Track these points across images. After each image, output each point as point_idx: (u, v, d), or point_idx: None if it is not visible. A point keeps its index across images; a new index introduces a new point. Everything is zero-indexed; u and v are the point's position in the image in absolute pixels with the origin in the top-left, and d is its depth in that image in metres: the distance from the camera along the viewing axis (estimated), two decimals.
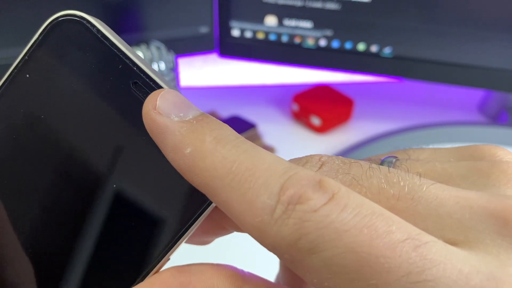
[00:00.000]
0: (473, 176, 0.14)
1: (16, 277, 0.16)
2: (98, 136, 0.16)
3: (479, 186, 0.14)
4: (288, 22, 0.56)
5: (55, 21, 0.16)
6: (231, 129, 0.14)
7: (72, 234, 0.16)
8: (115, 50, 0.16)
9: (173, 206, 0.16)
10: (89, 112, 0.16)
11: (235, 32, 0.57)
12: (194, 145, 0.13)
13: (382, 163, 0.16)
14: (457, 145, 0.16)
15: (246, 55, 0.59)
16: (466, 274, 0.11)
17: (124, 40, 0.17)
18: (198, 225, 0.16)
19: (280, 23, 0.56)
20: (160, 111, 0.14)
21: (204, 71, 0.75)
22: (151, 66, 0.16)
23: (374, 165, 0.14)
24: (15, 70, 0.16)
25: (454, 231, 0.12)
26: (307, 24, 0.56)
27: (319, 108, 0.60)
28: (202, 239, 0.19)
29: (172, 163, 0.14)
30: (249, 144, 0.13)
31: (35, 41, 0.16)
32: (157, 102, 0.14)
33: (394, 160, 0.16)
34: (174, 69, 0.51)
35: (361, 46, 0.56)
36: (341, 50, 0.57)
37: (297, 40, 0.57)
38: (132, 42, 0.50)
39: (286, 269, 0.20)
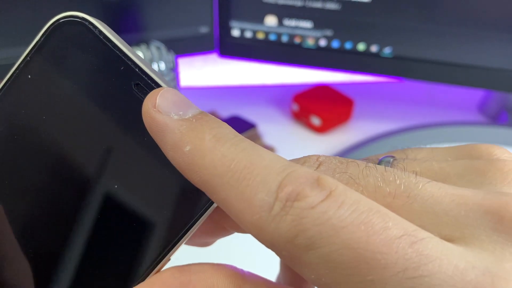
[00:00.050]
0: (469, 174, 0.14)
1: (17, 277, 0.16)
2: (100, 137, 0.16)
3: (475, 184, 0.14)
4: (288, 22, 0.56)
5: (57, 23, 0.16)
6: (230, 127, 0.14)
7: (73, 234, 0.16)
8: (117, 52, 0.16)
9: (174, 207, 0.16)
10: (90, 113, 0.16)
11: (235, 32, 0.58)
12: (193, 143, 0.13)
13: (380, 162, 0.16)
14: (457, 145, 0.16)
15: (246, 55, 0.59)
16: (462, 269, 0.11)
17: (124, 40, 0.17)
18: (198, 226, 0.16)
19: (280, 23, 0.56)
20: (160, 110, 0.14)
21: (204, 71, 0.75)
22: (152, 67, 0.16)
23: (370, 164, 0.14)
24: (17, 71, 0.16)
25: (450, 228, 0.12)
26: (307, 24, 0.56)
27: (319, 108, 0.60)
28: (203, 240, 0.20)
29: (171, 161, 0.14)
30: (247, 142, 0.13)
31: (37, 42, 0.16)
32: (157, 101, 0.14)
33: (391, 159, 0.16)
34: (174, 69, 0.51)
35: (361, 46, 0.56)
36: (341, 50, 0.57)
37: (297, 40, 0.57)
38: (132, 42, 0.50)
39: (287, 269, 0.20)
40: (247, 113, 0.62)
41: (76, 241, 0.16)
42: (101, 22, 0.16)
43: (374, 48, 0.56)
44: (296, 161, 0.15)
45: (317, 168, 0.14)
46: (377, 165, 0.14)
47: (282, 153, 0.33)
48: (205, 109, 0.15)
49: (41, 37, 0.16)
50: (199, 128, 0.14)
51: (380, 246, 0.11)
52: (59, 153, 0.16)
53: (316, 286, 0.12)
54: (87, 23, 0.16)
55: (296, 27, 0.56)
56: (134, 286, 0.15)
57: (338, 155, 0.15)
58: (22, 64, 0.16)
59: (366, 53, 0.56)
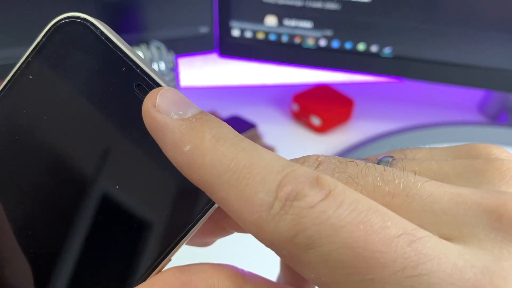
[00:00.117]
0: (468, 173, 0.14)
1: (17, 278, 0.16)
2: (100, 137, 0.16)
3: (474, 184, 0.14)
4: (288, 22, 0.56)
5: (58, 23, 0.16)
6: (230, 127, 0.14)
7: (74, 234, 0.16)
8: (119, 52, 0.16)
9: (175, 207, 0.16)
10: (91, 114, 0.16)
11: (235, 32, 0.58)
12: (193, 143, 0.13)
13: (379, 162, 0.16)
14: (456, 145, 0.17)
15: (246, 55, 0.60)
16: (460, 268, 0.11)
17: (124, 41, 0.17)
18: (199, 226, 0.16)
19: (280, 23, 0.56)
20: (160, 109, 0.14)
21: (204, 71, 0.75)
22: (154, 68, 0.16)
23: (369, 164, 0.14)
24: (18, 71, 0.16)
25: (448, 227, 0.12)
26: (307, 24, 0.56)
27: (319, 108, 0.60)
28: (203, 240, 0.20)
29: (171, 160, 0.14)
30: (247, 142, 0.14)
31: (38, 42, 0.16)
32: (157, 100, 0.14)
33: (390, 159, 0.16)
34: (174, 69, 0.51)
35: (361, 46, 0.56)
36: (341, 50, 0.57)
37: (297, 40, 0.57)
38: (132, 42, 0.50)
39: (287, 268, 0.20)
40: (247, 113, 0.62)
41: (77, 241, 0.16)
42: (102, 22, 0.16)
43: (374, 48, 0.56)
44: (295, 161, 0.15)
45: (316, 167, 0.14)
46: (376, 165, 0.14)
47: (282, 153, 0.33)
48: (205, 109, 0.15)
49: (42, 37, 0.16)
50: (199, 127, 0.14)
51: (379, 245, 0.11)
52: (60, 154, 0.16)
53: (316, 285, 0.12)
54: (88, 24, 0.16)
55: (296, 27, 0.56)
56: (135, 286, 0.15)
57: (338, 155, 0.15)
58: (24, 65, 0.16)
59: (366, 53, 0.56)
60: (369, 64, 0.57)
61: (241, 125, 0.58)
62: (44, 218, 0.16)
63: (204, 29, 0.56)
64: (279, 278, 0.21)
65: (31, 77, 0.16)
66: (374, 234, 0.11)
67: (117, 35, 0.16)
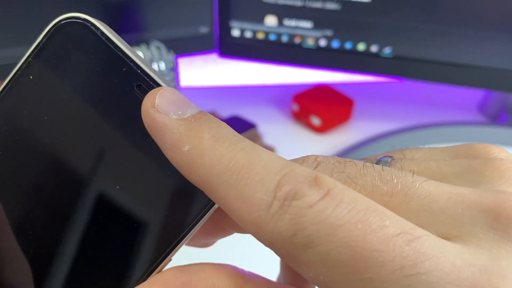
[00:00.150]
0: (467, 173, 0.14)
1: (17, 278, 0.17)
2: (101, 138, 0.16)
3: (473, 183, 0.14)
4: (288, 22, 0.56)
5: (59, 24, 0.16)
6: (229, 127, 0.14)
7: (75, 235, 0.16)
8: (119, 53, 0.16)
9: (175, 208, 0.16)
10: (92, 114, 0.16)
11: (235, 32, 0.58)
12: (192, 143, 0.13)
13: (378, 162, 0.16)
14: (455, 145, 0.17)
15: (246, 55, 0.60)
16: (459, 267, 0.11)
17: (124, 41, 0.17)
18: (200, 226, 0.16)
19: (280, 23, 0.56)
20: (159, 109, 0.14)
21: (204, 71, 0.75)
22: (154, 69, 0.16)
23: (368, 164, 0.14)
24: (19, 72, 0.16)
25: (447, 226, 0.12)
26: (307, 24, 0.56)
27: (319, 108, 0.60)
28: (203, 241, 0.20)
29: (170, 160, 0.14)
30: (246, 142, 0.14)
31: (39, 43, 0.16)
32: (156, 100, 0.14)
33: (389, 159, 0.16)
34: (174, 69, 0.51)
35: (361, 46, 0.56)
36: (341, 50, 0.57)
37: (297, 40, 0.57)
38: (132, 42, 0.50)
39: (287, 268, 0.20)
40: (247, 113, 0.62)
41: (77, 241, 0.16)
42: (103, 23, 0.16)
43: (374, 48, 0.56)
44: (294, 161, 0.15)
45: (315, 168, 0.14)
46: (374, 165, 0.14)
47: (282, 153, 0.33)
48: (205, 109, 0.15)
49: (43, 38, 0.16)
50: (198, 127, 0.14)
51: (377, 244, 0.11)
52: (60, 154, 0.16)
53: (315, 284, 0.12)
54: (89, 24, 0.16)
55: (296, 27, 0.56)
56: (136, 286, 0.15)
57: (338, 155, 0.15)
58: (24, 65, 0.16)
59: (366, 53, 0.56)
60: (369, 64, 0.57)
61: (241, 125, 0.58)
62: (45, 218, 0.16)
63: (204, 29, 0.56)
64: (279, 278, 0.21)
65: (31, 77, 0.16)
66: (373, 233, 0.11)
67: (117, 35, 0.16)
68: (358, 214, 0.11)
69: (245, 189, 0.12)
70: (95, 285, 0.16)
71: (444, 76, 0.56)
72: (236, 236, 0.20)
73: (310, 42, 0.57)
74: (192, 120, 0.14)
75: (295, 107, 0.62)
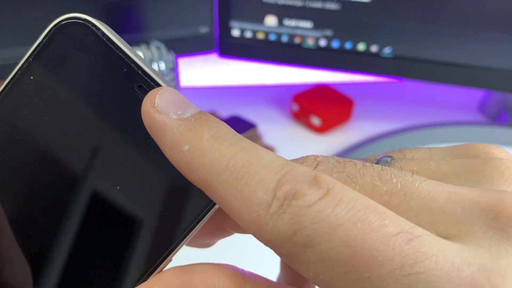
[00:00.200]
0: (466, 173, 0.14)
1: (19, 278, 0.17)
2: (101, 138, 0.16)
3: (472, 183, 0.14)
4: (288, 22, 0.56)
5: (59, 24, 0.16)
6: (229, 127, 0.14)
7: (75, 235, 0.16)
8: (120, 54, 0.16)
9: (176, 208, 0.16)
10: (92, 115, 0.16)
11: (235, 32, 0.58)
12: (192, 143, 0.13)
13: (377, 162, 0.16)
14: (455, 144, 0.17)
15: (246, 55, 0.60)
16: (458, 266, 0.11)
17: (125, 41, 0.17)
18: (200, 227, 0.16)
19: (280, 23, 0.56)
20: (159, 109, 0.14)
21: (204, 71, 0.75)
22: (155, 69, 0.16)
23: (368, 164, 0.14)
24: (19, 72, 0.16)
25: (446, 225, 0.12)
26: (307, 24, 0.56)
27: (319, 108, 0.60)
28: (204, 241, 0.20)
29: (170, 160, 0.14)
30: (246, 141, 0.14)
31: (40, 43, 0.16)
32: (156, 100, 0.14)
33: (389, 159, 0.16)
34: (174, 69, 0.51)
35: (361, 46, 0.56)
36: (341, 50, 0.57)
37: (297, 40, 0.57)
38: (132, 42, 0.50)
39: (287, 268, 0.20)
40: (247, 113, 0.62)
41: (78, 242, 0.16)
42: (103, 23, 0.16)
43: (374, 48, 0.56)
44: (294, 161, 0.15)
45: (315, 168, 0.14)
46: (374, 165, 0.14)
47: (282, 153, 0.33)
48: (205, 109, 0.15)
49: (43, 38, 0.16)
50: (198, 127, 0.14)
51: (376, 243, 0.11)
52: (61, 155, 0.16)
53: (315, 283, 0.12)
54: (89, 25, 0.16)
55: (296, 27, 0.56)
56: (137, 286, 0.15)
57: (338, 155, 0.15)
58: (25, 65, 0.16)
59: (366, 53, 0.56)
60: (369, 64, 0.57)
61: (241, 125, 0.58)
62: (46, 219, 0.16)
63: (204, 29, 0.56)
64: (279, 278, 0.21)
65: (32, 77, 0.16)
66: (372, 233, 0.11)
67: (118, 35, 0.16)
68: (358, 214, 0.11)
69: (244, 188, 0.12)
70: (96, 285, 0.16)
71: (444, 76, 0.56)
72: (236, 236, 0.20)
73: (310, 42, 0.57)
74: (192, 120, 0.14)
75: (295, 107, 0.62)
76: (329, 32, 0.56)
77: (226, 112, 0.63)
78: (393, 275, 0.11)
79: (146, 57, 0.48)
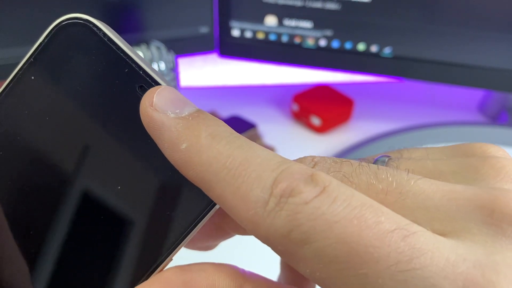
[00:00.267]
0: (463, 171, 0.14)
1: (19, 278, 0.17)
2: (102, 138, 0.16)
3: (468, 181, 0.14)
4: (288, 22, 0.56)
5: (60, 24, 0.16)
6: (226, 125, 0.14)
7: (76, 235, 0.16)
8: (122, 54, 0.16)
9: (177, 208, 0.16)
10: (93, 115, 0.16)
11: (235, 32, 0.58)
12: (189, 141, 0.14)
13: (375, 162, 0.16)
14: (453, 144, 0.17)
15: (246, 55, 0.60)
16: (453, 262, 0.11)
17: (126, 42, 0.17)
18: (201, 227, 0.16)
19: (280, 23, 0.56)
20: (157, 108, 0.14)
21: (204, 71, 0.75)
22: (157, 70, 0.16)
23: (364, 163, 0.14)
24: (20, 72, 0.16)
25: (441, 223, 0.12)
26: (307, 24, 0.56)
27: (319, 108, 0.60)
28: (205, 244, 0.20)
29: (168, 158, 0.14)
30: (243, 139, 0.14)
31: (41, 43, 0.16)
32: (154, 99, 0.14)
33: (386, 159, 0.16)
34: (174, 69, 0.51)
35: (361, 46, 0.56)
36: (341, 50, 0.57)
37: (297, 40, 0.57)
38: (132, 42, 0.50)
39: (288, 268, 0.20)
40: (247, 113, 0.62)
41: (79, 242, 0.16)
42: (104, 24, 0.16)
43: (374, 48, 0.56)
44: None
45: (312, 168, 0.14)
46: (370, 164, 0.14)
47: (282, 153, 0.33)
48: (205, 109, 0.15)
49: (44, 38, 0.16)
50: (195, 126, 0.14)
51: (372, 240, 0.11)
52: (61, 155, 0.16)
53: (312, 280, 0.12)
54: (91, 25, 0.16)
55: (296, 27, 0.56)
56: (138, 285, 0.15)
57: (338, 155, 0.15)
58: (26, 65, 0.16)
59: (366, 53, 0.56)
60: (369, 64, 0.57)
61: (241, 125, 0.58)
62: (46, 219, 0.16)
63: (204, 29, 0.57)
64: (279, 278, 0.21)
65: (33, 77, 0.16)
66: (368, 229, 0.11)
67: (119, 36, 0.16)
68: (354, 211, 0.12)
69: (242, 186, 0.13)
70: (96, 284, 0.16)
71: (444, 76, 0.56)
72: (236, 238, 0.20)
73: (310, 42, 0.57)
74: (190, 118, 0.14)
75: (295, 107, 0.62)
76: (329, 32, 0.56)
77: (226, 112, 0.63)
78: (389, 271, 0.11)
79: (146, 57, 0.48)
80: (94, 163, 0.16)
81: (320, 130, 0.61)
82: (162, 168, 0.16)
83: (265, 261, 0.27)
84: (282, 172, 0.12)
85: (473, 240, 0.12)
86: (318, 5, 0.54)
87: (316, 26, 0.56)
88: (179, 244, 0.16)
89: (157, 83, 0.16)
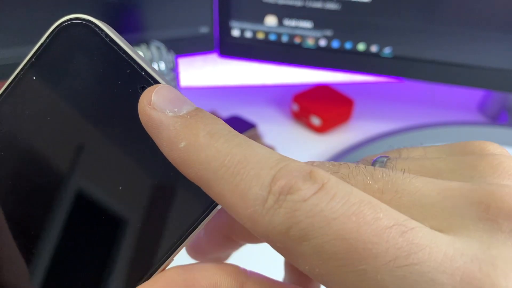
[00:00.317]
0: (460, 169, 0.14)
1: (19, 278, 0.17)
2: (104, 139, 0.16)
3: (466, 178, 0.14)
4: (288, 22, 0.56)
5: (62, 25, 0.16)
6: (225, 123, 0.14)
7: (78, 236, 0.16)
8: (123, 55, 0.16)
9: (178, 208, 0.16)
10: (95, 116, 0.16)
11: (235, 32, 0.58)
12: (188, 140, 0.14)
13: (374, 162, 0.16)
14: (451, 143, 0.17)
15: (246, 55, 0.60)
16: (451, 256, 0.11)
17: (128, 42, 0.17)
18: (202, 227, 0.16)
19: (280, 23, 0.56)
20: (155, 107, 0.14)
21: (204, 71, 0.75)
22: (159, 71, 0.16)
23: (360, 165, 0.14)
24: (22, 72, 0.16)
25: (437, 219, 0.12)
26: (307, 24, 0.56)
27: (319, 108, 0.60)
28: (216, 255, 0.20)
29: (167, 157, 0.14)
30: (242, 137, 0.14)
31: (42, 43, 0.16)
32: (152, 98, 0.14)
33: (385, 159, 0.16)
34: (174, 69, 0.51)
35: (361, 46, 0.56)
36: (341, 50, 0.57)
37: (297, 40, 0.57)
38: (132, 42, 0.50)
39: (291, 269, 0.20)
40: (247, 113, 0.62)
41: (80, 242, 0.16)
42: (106, 24, 0.16)
43: (374, 48, 0.56)
44: None
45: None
46: (367, 166, 0.14)
47: (282, 153, 0.33)
48: (205, 109, 0.15)
49: (46, 39, 0.16)
50: (194, 124, 0.14)
51: (371, 236, 0.11)
52: (62, 155, 0.16)
53: (311, 276, 0.12)
54: (92, 26, 0.16)
55: (296, 27, 0.56)
56: (139, 285, 0.15)
57: (338, 155, 0.15)
58: (27, 65, 0.16)
59: (366, 53, 0.56)
60: (369, 64, 0.57)
61: (241, 125, 0.58)
62: (47, 220, 0.16)
63: (204, 29, 0.57)
64: (284, 280, 0.21)
65: (34, 78, 0.16)
66: (366, 226, 0.11)
67: (121, 37, 0.16)
68: (352, 207, 0.12)
69: (240, 184, 0.13)
70: (98, 284, 0.16)
71: (444, 76, 0.56)
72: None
73: (310, 42, 0.57)
74: (188, 117, 0.14)
75: (295, 107, 0.62)
76: (329, 32, 0.56)
77: (226, 112, 0.63)
78: (388, 267, 0.11)
79: (146, 57, 0.48)
80: (96, 163, 0.16)
81: (320, 130, 0.61)
82: (164, 168, 0.16)
83: (268, 262, 0.27)
84: (280, 170, 0.12)
85: (470, 236, 0.12)
86: (318, 5, 0.54)
87: (316, 26, 0.56)
88: (180, 245, 0.16)
89: (159, 84, 0.16)
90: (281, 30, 0.57)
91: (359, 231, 0.11)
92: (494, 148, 0.15)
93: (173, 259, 0.16)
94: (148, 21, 0.53)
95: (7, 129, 0.17)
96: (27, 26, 0.47)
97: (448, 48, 0.54)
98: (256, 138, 0.58)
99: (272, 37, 0.58)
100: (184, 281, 0.15)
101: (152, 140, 0.15)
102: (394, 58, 0.56)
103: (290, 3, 0.55)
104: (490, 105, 0.66)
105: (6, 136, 0.17)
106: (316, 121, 0.60)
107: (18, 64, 0.17)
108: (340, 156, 0.55)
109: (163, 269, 0.16)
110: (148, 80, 0.16)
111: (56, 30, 0.16)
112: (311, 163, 0.15)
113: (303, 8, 0.55)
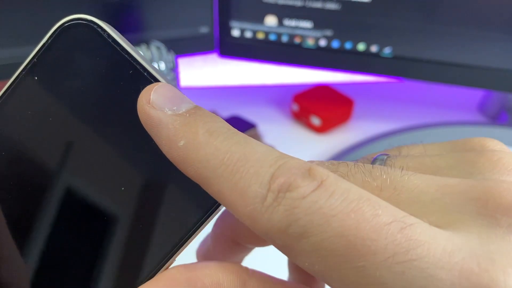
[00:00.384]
0: (460, 165, 0.14)
1: (16, 278, 0.17)
2: (105, 139, 0.16)
3: (465, 174, 0.14)
4: (288, 22, 0.56)
5: (64, 25, 0.16)
6: (224, 121, 0.14)
7: (81, 236, 0.16)
8: (126, 55, 0.16)
9: (180, 208, 0.16)
10: (96, 116, 0.16)
11: (235, 32, 0.58)
12: (187, 138, 0.14)
13: (374, 160, 0.16)
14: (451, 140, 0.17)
15: (246, 55, 0.60)
16: (449, 252, 0.11)
17: (130, 43, 0.17)
18: (204, 227, 0.16)
19: (280, 23, 0.56)
20: (154, 105, 0.14)
21: (204, 71, 0.75)
22: (161, 72, 0.16)
23: (359, 163, 0.14)
24: (23, 72, 0.16)
25: (436, 215, 0.12)
26: (307, 24, 0.56)
27: (319, 108, 0.60)
28: (227, 260, 0.20)
29: (167, 155, 0.14)
30: (241, 135, 0.14)
31: (44, 44, 0.16)
32: (151, 96, 0.14)
33: (385, 157, 0.16)
34: (174, 69, 0.51)
35: (361, 46, 0.56)
36: (341, 50, 0.57)
37: (297, 40, 0.57)
38: (132, 42, 0.50)
39: (295, 270, 0.20)
40: (247, 113, 0.62)
41: (83, 242, 0.16)
42: (108, 24, 0.16)
43: (374, 48, 0.56)
44: None
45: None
46: (365, 164, 0.14)
47: None
48: (205, 108, 0.15)
49: (48, 39, 0.16)
50: (193, 122, 0.14)
51: (370, 232, 0.11)
52: (64, 156, 0.16)
53: (310, 273, 0.12)
54: (95, 26, 0.16)
55: (296, 27, 0.56)
56: (142, 284, 0.15)
57: (338, 155, 0.15)
58: (29, 66, 0.16)
59: (366, 53, 0.56)
60: (369, 64, 0.57)
61: (241, 125, 0.58)
62: (48, 220, 0.16)
63: (204, 29, 0.57)
64: (289, 278, 0.21)
65: (36, 78, 0.16)
66: (365, 222, 0.11)
67: (123, 37, 0.16)
68: (351, 204, 0.12)
69: (240, 182, 0.13)
70: (101, 284, 0.16)
71: (444, 76, 0.56)
72: None
73: (310, 42, 0.57)
74: (187, 115, 0.14)
75: (295, 107, 0.62)
76: (329, 32, 0.56)
77: (226, 112, 0.63)
78: (387, 263, 0.11)
79: (146, 57, 0.48)
80: (98, 164, 0.16)
81: (320, 130, 0.61)
82: (167, 168, 0.16)
83: (272, 261, 0.27)
84: (279, 167, 0.12)
85: (468, 231, 0.12)
86: (318, 5, 0.54)
87: (316, 26, 0.56)
88: (183, 245, 0.16)
89: (158, 82, 0.16)
90: (281, 30, 0.57)
91: (358, 227, 0.11)
92: (494, 144, 0.15)
93: (175, 259, 0.16)
94: (148, 21, 0.53)
95: (8, 130, 0.17)
96: (27, 26, 0.47)
97: (448, 48, 0.54)
98: (256, 138, 0.58)
99: (272, 37, 0.58)
100: (186, 280, 0.15)
101: (153, 140, 0.15)
102: (394, 58, 0.56)
103: (290, 3, 0.55)
104: (490, 105, 0.66)
105: (7, 136, 0.17)
106: (316, 121, 0.60)
107: (20, 64, 0.17)
108: (340, 156, 0.55)
109: (166, 268, 0.16)
110: (151, 81, 0.16)
111: (58, 30, 0.16)
112: (311, 162, 0.15)
113: (303, 8, 0.55)
